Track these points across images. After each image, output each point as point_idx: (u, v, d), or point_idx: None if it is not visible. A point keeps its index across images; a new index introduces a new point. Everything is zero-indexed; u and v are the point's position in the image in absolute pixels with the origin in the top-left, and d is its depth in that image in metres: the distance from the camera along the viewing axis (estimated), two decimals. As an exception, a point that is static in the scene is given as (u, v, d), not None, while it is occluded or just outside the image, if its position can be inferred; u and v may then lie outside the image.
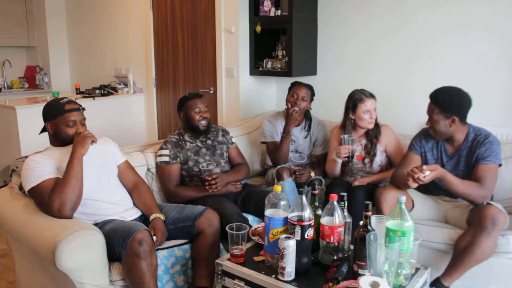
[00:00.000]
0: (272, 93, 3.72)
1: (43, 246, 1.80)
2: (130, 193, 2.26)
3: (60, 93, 4.22)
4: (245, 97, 3.53)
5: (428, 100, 2.24)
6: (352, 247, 1.73)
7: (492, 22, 2.66)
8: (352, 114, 2.60)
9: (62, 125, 2.03)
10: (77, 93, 4.43)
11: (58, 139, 2.08)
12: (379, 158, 2.62)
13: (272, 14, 3.28)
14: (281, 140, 2.76)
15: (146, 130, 4.41)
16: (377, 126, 2.63)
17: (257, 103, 3.60)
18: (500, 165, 2.17)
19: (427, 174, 2.00)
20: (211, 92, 3.72)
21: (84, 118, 2.11)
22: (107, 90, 4.38)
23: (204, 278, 2.08)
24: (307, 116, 2.91)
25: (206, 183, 2.41)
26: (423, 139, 2.36)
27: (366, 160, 2.61)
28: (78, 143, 1.96)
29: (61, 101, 2.05)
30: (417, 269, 1.73)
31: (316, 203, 1.81)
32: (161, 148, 2.54)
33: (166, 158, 2.50)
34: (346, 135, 2.52)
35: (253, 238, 1.97)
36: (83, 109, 2.11)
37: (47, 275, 2.08)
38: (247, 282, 1.70)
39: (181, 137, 2.60)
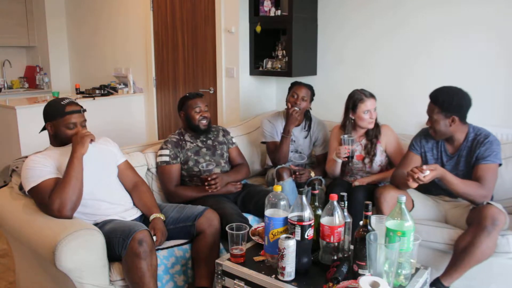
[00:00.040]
0: (272, 93, 3.72)
1: (43, 246, 1.80)
2: (130, 193, 2.26)
3: (60, 93, 4.22)
4: (245, 97, 3.53)
5: (428, 100, 2.24)
6: (352, 247, 1.73)
7: (492, 22, 2.66)
8: (352, 114, 2.60)
9: (63, 127, 2.03)
10: (77, 93, 4.43)
11: (58, 140, 2.08)
12: (379, 158, 2.62)
13: (272, 14, 3.28)
14: (281, 140, 2.76)
15: (146, 130, 4.41)
16: (377, 126, 2.63)
17: (257, 103, 3.60)
18: (500, 164, 2.17)
19: (427, 174, 2.00)
20: (211, 92, 3.72)
21: (85, 120, 2.10)
22: (107, 90, 4.38)
23: (204, 278, 2.08)
24: (307, 116, 2.91)
25: (206, 183, 2.41)
26: (423, 139, 2.36)
27: (366, 160, 2.61)
28: (78, 143, 1.96)
29: (62, 102, 2.04)
30: (417, 269, 1.73)
31: (316, 203, 1.81)
32: (161, 148, 2.54)
33: (166, 158, 2.50)
34: (346, 135, 2.52)
35: (253, 238, 1.97)
36: (84, 110, 2.11)
37: (47, 275, 2.08)
38: (247, 282, 1.70)
39: (182, 137, 2.60)
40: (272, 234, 1.73)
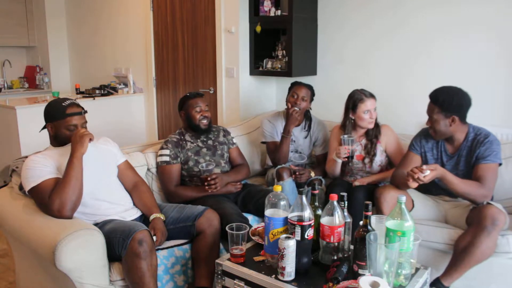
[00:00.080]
0: (272, 93, 3.72)
1: (43, 246, 1.80)
2: (130, 193, 2.26)
3: (60, 93, 4.22)
4: (245, 97, 3.53)
5: (428, 100, 2.24)
6: (352, 247, 1.73)
7: (492, 22, 2.66)
8: (352, 114, 2.60)
9: (63, 128, 2.02)
10: (77, 93, 4.43)
11: (58, 140, 2.07)
12: (379, 158, 2.62)
13: (272, 14, 3.28)
14: (281, 140, 2.76)
15: (146, 130, 4.41)
16: (377, 126, 2.63)
17: (257, 103, 3.60)
18: (500, 164, 2.17)
19: (427, 174, 2.00)
20: (211, 92, 3.72)
21: (86, 122, 2.10)
22: (107, 90, 4.38)
23: (204, 278, 2.08)
24: (307, 116, 2.91)
25: (206, 183, 2.41)
26: (423, 139, 2.36)
27: (366, 160, 2.62)
28: (77, 143, 1.95)
29: (63, 104, 2.03)
30: (417, 269, 1.73)
31: (316, 203, 1.81)
32: (162, 148, 2.54)
33: (167, 158, 2.50)
34: (346, 136, 2.52)
35: (253, 238, 1.97)
36: (85, 112, 2.10)
37: (47, 275, 2.08)
38: (247, 282, 1.70)
39: (182, 137, 2.60)
40: (272, 234, 1.73)
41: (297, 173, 2.65)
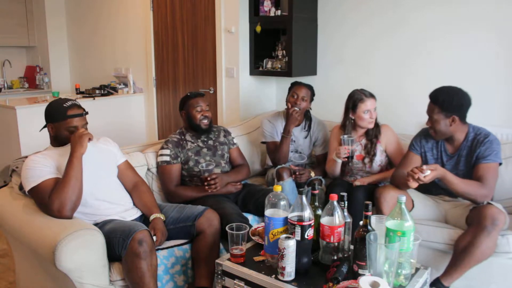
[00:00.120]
0: (272, 93, 3.72)
1: (43, 246, 1.80)
2: (130, 193, 2.26)
3: (60, 93, 4.22)
4: (245, 97, 3.53)
5: (428, 100, 2.24)
6: (352, 247, 1.73)
7: (492, 21, 2.66)
8: (352, 114, 2.60)
9: (64, 129, 2.02)
10: (77, 93, 4.43)
11: (58, 140, 2.07)
12: (379, 158, 2.62)
13: (272, 14, 3.28)
14: (281, 140, 2.76)
15: (146, 130, 4.41)
16: (377, 126, 2.63)
17: (257, 103, 3.60)
18: (500, 164, 2.17)
19: (428, 174, 2.00)
20: (211, 92, 3.72)
21: (86, 123, 2.10)
22: (107, 90, 4.38)
23: (204, 278, 2.08)
24: (307, 116, 2.91)
25: (206, 183, 2.41)
26: (423, 139, 2.36)
27: (366, 160, 2.61)
28: (76, 143, 1.95)
29: (65, 105, 2.03)
30: (417, 269, 1.73)
31: (316, 203, 1.81)
32: (162, 148, 2.54)
33: (167, 158, 2.50)
34: (345, 136, 2.52)
35: (253, 238, 1.97)
36: (86, 113, 2.10)
37: (47, 275, 2.08)
38: (247, 282, 1.70)
39: (183, 137, 2.60)
40: (272, 234, 1.73)
41: (297, 173, 2.65)
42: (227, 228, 1.81)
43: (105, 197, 2.11)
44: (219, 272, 1.80)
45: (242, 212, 2.38)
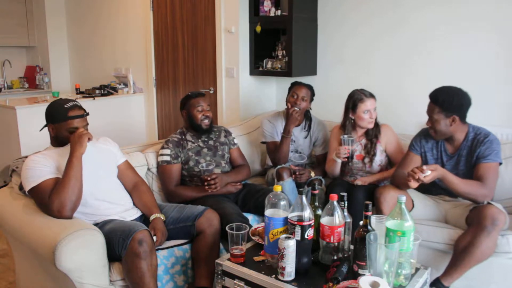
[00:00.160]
0: (272, 93, 3.72)
1: (43, 246, 1.80)
2: (130, 193, 2.26)
3: (60, 93, 4.23)
4: (245, 97, 3.53)
5: (428, 100, 2.24)
6: (352, 247, 1.73)
7: (492, 21, 2.66)
8: (352, 114, 2.60)
9: (64, 131, 2.02)
10: (77, 93, 4.43)
11: (59, 141, 2.07)
12: (379, 158, 2.62)
13: (272, 14, 3.28)
14: (281, 140, 2.76)
15: (146, 130, 4.41)
16: (377, 125, 2.64)
17: (257, 103, 3.60)
18: (500, 163, 2.17)
19: (428, 174, 2.00)
20: (211, 92, 3.72)
21: (87, 124, 2.10)
22: (107, 90, 4.38)
23: (204, 278, 2.08)
24: (307, 116, 2.91)
25: (206, 183, 2.41)
26: (423, 139, 2.36)
27: (366, 160, 2.62)
28: (76, 143, 1.95)
29: (66, 106, 2.03)
30: (417, 269, 1.73)
31: (316, 203, 1.81)
32: (163, 148, 2.54)
33: (167, 158, 2.50)
34: (346, 136, 2.52)
35: (253, 238, 1.97)
36: (87, 114, 2.10)
37: (47, 275, 2.08)
38: (247, 282, 1.70)
39: (183, 137, 2.60)
40: (272, 234, 1.73)
41: (297, 173, 2.65)
42: (227, 228, 1.81)
43: (105, 197, 2.11)
44: (219, 272, 1.80)
45: (242, 212, 2.38)
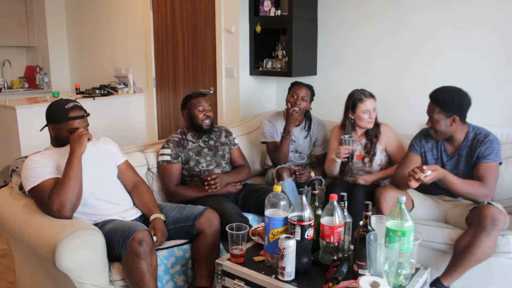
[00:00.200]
0: (272, 93, 3.72)
1: (43, 246, 1.80)
2: (130, 193, 2.26)
3: (60, 93, 4.23)
4: (245, 97, 3.53)
5: (428, 100, 2.24)
6: (352, 247, 1.73)
7: (492, 21, 2.66)
8: (351, 114, 2.60)
9: (65, 131, 2.02)
10: (77, 93, 4.43)
11: (59, 141, 2.07)
12: (379, 157, 2.62)
13: (272, 14, 3.28)
14: (281, 140, 2.76)
15: (146, 130, 4.41)
16: (377, 125, 2.63)
17: (257, 103, 3.60)
18: (500, 163, 2.17)
19: (429, 174, 2.00)
20: (211, 92, 3.72)
21: (87, 124, 2.10)
22: (107, 90, 4.38)
23: (204, 278, 2.08)
24: (307, 116, 2.91)
25: (206, 183, 2.41)
26: (422, 139, 2.36)
27: (366, 160, 2.62)
28: (75, 143, 1.95)
29: (66, 106, 2.02)
30: (417, 269, 1.73)
31: (316, 203, 1.81)
32: (163, 147, 2.54)
33: (168, 158, 2.50)
34: (346, 136, 2.52)
35: (253, 238, 1.97)
36: (88, 115, 2.10)
37: (47, 275, 2.08)
38: (247, 282, 1.70)
39: (184, 136, 2.60)
40: (272, 234, 1.73)
41: (297, 173, 2.65)
42: (227, 228, 1.81)
43: (105, 197, 2.11)
44: (219, 272, 1.80)
45: (242, 211, 2.38)
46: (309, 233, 1.68)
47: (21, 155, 3.04)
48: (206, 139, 2.62)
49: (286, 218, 1.71)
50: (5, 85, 5.28)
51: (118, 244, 1.85)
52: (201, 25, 3.69)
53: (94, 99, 4.09)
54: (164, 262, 2.06)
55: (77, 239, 1.77)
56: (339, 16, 3.26)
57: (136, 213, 2.21)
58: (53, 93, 4.11)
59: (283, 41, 3.38)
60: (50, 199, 1.88)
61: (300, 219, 1.66)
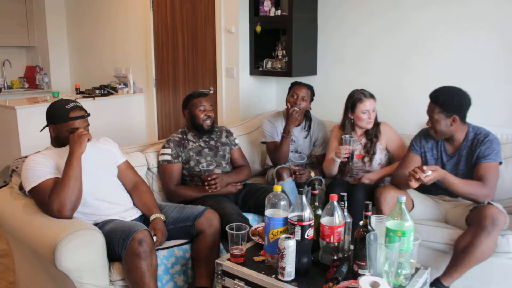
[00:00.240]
0: (272, 93, 3.72)
1: (43, 246, 1.80)
2: (130, 193, 2.26)
3: (60, 93, 4.23)
4: (245, 97, 3.53)
5: (428, 100, 2.24)
6: (352, 247, 1.73)
7: (492, 21, 2.66)
8: (351, 114, 2.60)
9: (65, 131, 2.02)
10: (77, 93, 4.43)
11: (59, 141, 2.07)
12: (379, 157, 2.62)
13: (272, 14, 3.28)
14: (281, 140, 2.76)
15: (146, 130, 4.41)
16: (377, 125, 2.63)
17: (257, 103, 3.60)
18: (500, 163, 2.17)
19: (429, 174, 2.00)
20: (211, 92, 3.72)
21: (88, 124, 2.10)
22: (107, 90, 4.38)
23: (204, 278, 2.08)
24: (307, 116, 2.91)
25: (206, 183, 2.41)
26: (422, 139, 2.36)
27: (366, 159, 2.62)
28: (75, 143, 1.95)
29: (67, 106, 2.02)
30: (417, 269, 1.73)
31: (316, 203, 1.81)
32: (164, 147, 2.54)
33: (168, 157, 2.50)
34: (347, 136, 2.52)
35: (253, 238, 1.97)
36: (88, 115, 2.09)
37: (47, 275, 2.08)
38: (247, 282, 1.70)
39: (184, 136, 2.60)
40: (272, 234, 1.73)
41: (297, 173, 2.65)
42: (227, 228, 1.81)
43: (105, 197, 2.11)
44: (219, 272, 1.80)
45: (242, 211, 2.38)
46: (309, 233, 1.68)
47: (21, 155, 3.04)
48: (207, 139, 2.62)
49: (286, 218, 1.71)
50: (5, 85, 5.29)
51: (118, 244, 1.85)
52: (201, 25, 3.69)
53: (94, 99, 4.09)
54: (164, 262, 2.06)
55: (77, 239, 1.77)
56: (339, 16, 3.26)
57: (136, 213, 2.21)
58: (53, 93, 4.11)
59: (283, 41, 3.38)
60: (50, 199, 1.88)
61: (300, 219, 1.66)
